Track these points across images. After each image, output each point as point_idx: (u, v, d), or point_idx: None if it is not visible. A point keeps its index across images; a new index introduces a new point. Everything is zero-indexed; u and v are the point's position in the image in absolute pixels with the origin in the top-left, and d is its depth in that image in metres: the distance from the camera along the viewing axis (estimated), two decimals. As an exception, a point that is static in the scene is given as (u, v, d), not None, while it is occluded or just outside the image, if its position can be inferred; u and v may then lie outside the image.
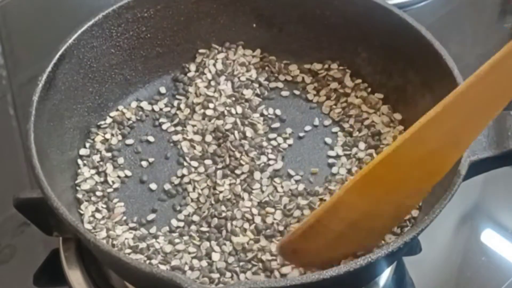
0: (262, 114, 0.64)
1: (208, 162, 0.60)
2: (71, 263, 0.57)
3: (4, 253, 0.60)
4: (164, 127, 0.64)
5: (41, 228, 0.56)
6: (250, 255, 0.54)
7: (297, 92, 0.66)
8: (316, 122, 0.64)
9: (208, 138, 0.62)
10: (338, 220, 0.51)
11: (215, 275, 0.53)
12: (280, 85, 0.67)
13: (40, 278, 0.58)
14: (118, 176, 0.60)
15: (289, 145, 0.62)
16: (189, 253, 0.54)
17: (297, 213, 0.57)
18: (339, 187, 0.58)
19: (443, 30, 0.74)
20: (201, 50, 0.67)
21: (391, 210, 0.51)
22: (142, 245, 0.54)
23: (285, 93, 0.66)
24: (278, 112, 0.65)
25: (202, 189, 0.59)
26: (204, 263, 0.54)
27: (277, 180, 0.59)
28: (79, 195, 0.58)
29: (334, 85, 0.66)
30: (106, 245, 0.49)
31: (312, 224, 0.52)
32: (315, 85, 0.66)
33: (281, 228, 0.56)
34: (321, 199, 0.58)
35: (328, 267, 0.47)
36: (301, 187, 0.59)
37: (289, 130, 0.63)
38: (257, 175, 0.59)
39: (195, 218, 0.57)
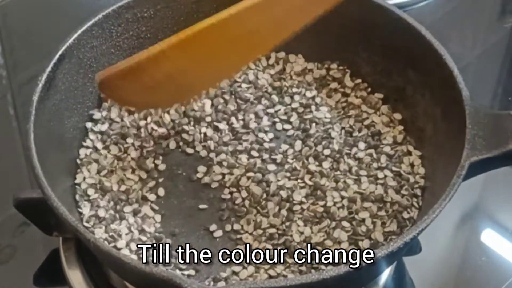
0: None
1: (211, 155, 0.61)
2: (71, 263, 0.57)
3: (4, 253, 0.60)
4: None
5: (41, 228, 0.56)
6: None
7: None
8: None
9: (209, 132, 0.62)
10: (157, 70, 0.56)
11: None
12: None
13: (40, 278, 0.58)
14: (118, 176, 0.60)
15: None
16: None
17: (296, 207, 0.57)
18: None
19: (443, 30, 0.74)
20: None
21: (206, 75, 0.58)
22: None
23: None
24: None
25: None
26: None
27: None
28: (79, 195, 0.58)
29: (334, 85, 0.66)
30: (106, 245, 0.49)
31: (131, 66, 0.56)
32: (315, 85, 0.66)
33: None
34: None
35: (144, 109, 0.59)
36: None
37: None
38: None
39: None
